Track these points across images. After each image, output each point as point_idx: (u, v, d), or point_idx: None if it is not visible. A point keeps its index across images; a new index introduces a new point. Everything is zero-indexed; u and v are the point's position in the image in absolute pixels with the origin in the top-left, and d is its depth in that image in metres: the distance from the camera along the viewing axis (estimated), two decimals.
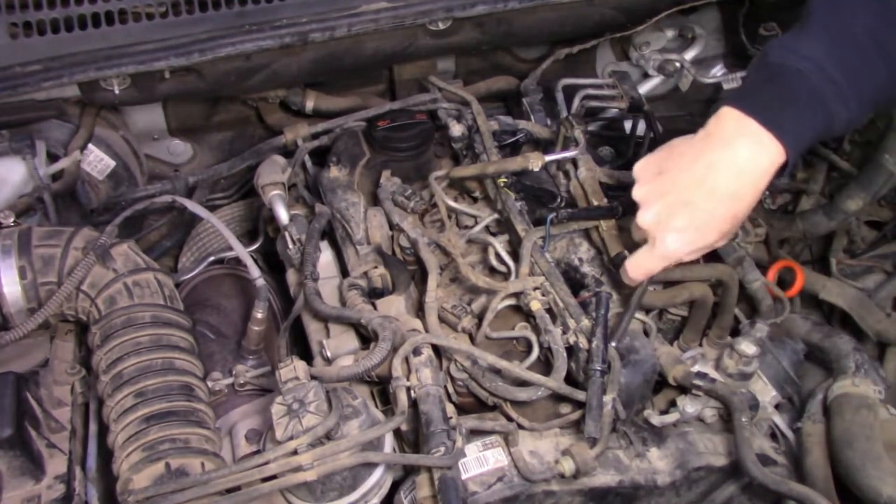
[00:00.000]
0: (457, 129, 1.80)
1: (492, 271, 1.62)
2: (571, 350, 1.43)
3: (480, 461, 1.37)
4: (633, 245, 1.58)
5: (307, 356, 1.50)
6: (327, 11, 1.72)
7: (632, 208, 1.36)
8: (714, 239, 1.28)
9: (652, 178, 1.31)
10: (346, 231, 1.66)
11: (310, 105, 2.02)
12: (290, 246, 1.64)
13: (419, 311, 1.54)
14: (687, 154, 1.27)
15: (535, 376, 1.36)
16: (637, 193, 1.33)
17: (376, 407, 1.46)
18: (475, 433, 1.39)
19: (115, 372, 1.38)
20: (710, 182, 1.23)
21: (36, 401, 1.40)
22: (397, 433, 1.41)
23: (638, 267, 1.37)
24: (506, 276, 1.57)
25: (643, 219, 1.30)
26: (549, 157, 1.64)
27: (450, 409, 1.37)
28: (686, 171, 1.26)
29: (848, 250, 2.00)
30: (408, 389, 1.35)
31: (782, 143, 1.20)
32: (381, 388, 1.50)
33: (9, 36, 1.60)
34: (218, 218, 1.69)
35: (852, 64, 1.21)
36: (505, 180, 1.65)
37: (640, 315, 1.52)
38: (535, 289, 1.49)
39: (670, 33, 2.23)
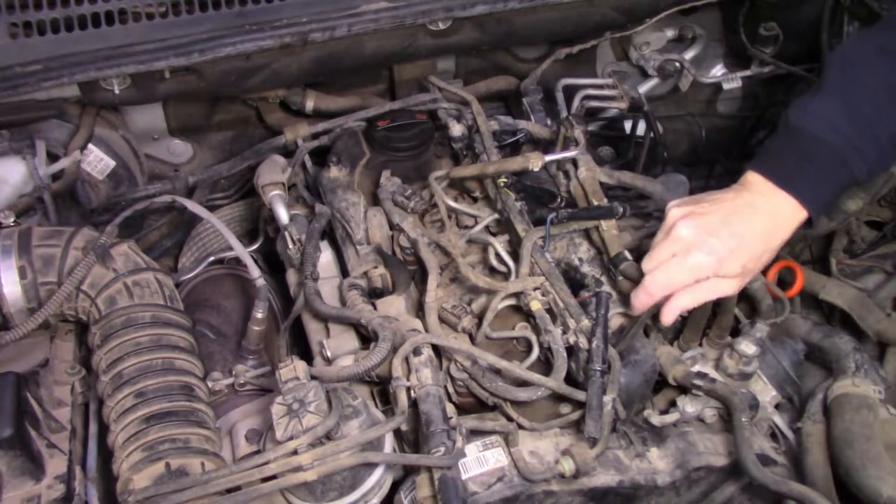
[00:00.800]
0: (457, 129, 1.80)
1: (492, 271, 1.62)
2: (571, 350, 1.43)
3: (480, 461, 1.37)
4: (632, 246, 1.59)
5: (307, 356, 1.50)
6: (327, 11, 1.72)
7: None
8: (736, 270, 1.34)
9: (692, 203, 1.38)
10: (346, 231, 1.66)
11: (310, 105, 2.02)
12: (290, 246, 1.64)
13: (419, 311, 1.54)
14: (723, 197, 1.38)
15: (535, 376, 1.36)
16: (675, 212, 1.38)
17: (376, 407, 1.46)
18: (475, 433, 1.39)
19: (115, 372, 1.38)
20: (747, 216, 1.34)
21: (36, 401, 1.40)
22: (397, 433, 1.41)
23: (661, 279, 1.36)
24: (506, 276, 1.57)
25: (680, 231, 1.34)
26: (549, 157, 1.64)
27: (450, 409, 1.38)
28: (726, 203, 1.36)
29: (848, 250, 2.00)
30: (408, 389, 1.35)
31: (801, 202, 1.33)
32: (381, 388, 1.50)
33: (9, 36, 1.60)
34: (218, 218, 1.69)
35: (866, 117, 1.32)
36: (505, 180, 1.65)
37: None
38: (536, 289, 1.49)
39: (670, 33, 2.23)
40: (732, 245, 1.32)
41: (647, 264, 1.38)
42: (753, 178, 1.37)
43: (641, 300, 1.38)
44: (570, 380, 1.41)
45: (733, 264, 1.33)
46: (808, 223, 1.37)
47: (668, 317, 1.38)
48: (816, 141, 1.34)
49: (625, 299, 1.52)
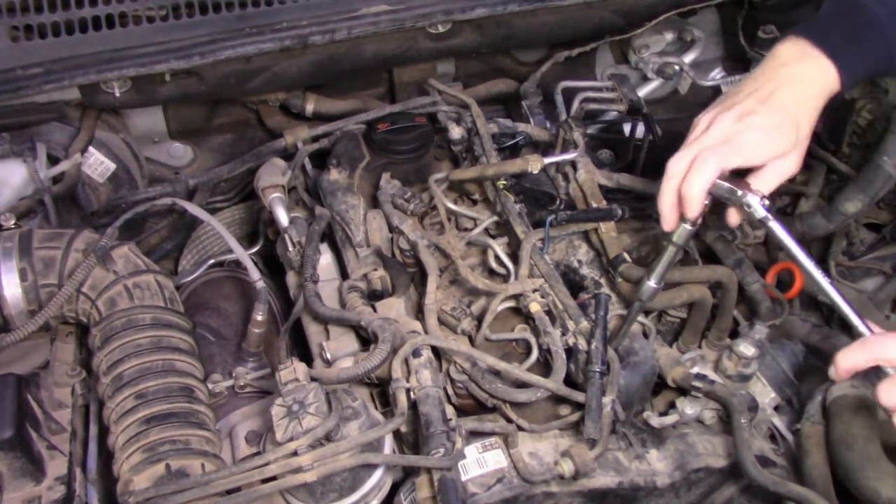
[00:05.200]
0: (456, 132, 1.80)
1: (491, 273, 1.62)
2: (571, 352, 1.43)
3: (480, 462, 1.37)
4: (631, 248, 1.59)
5: (307, 358, 1.50)
6: (327, 14, 1.73)
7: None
8: (784, 146, 1.28)
9: (718, 105, 1.33)
10: (345, 233, 1.67)
11: (310, 108, 2.03)
12: (290, 248, 1.64)
13: (419, 313, 1.54)
14: (751, 80, 1.32)
15: (535, 378, 1.37)
16: (706, 116, 1.33)
17: (376, 408, 1.46)
18: (475, 435, 1.40)
19: (115, 373, 1.38)
20: (771, 89, 1.28)
21: (36, 402, 1.40)
22: (397, 434, 1.42)
23: (705, 169, 1.27)
24: (505, 278, 1.57)
25: (721, 124, 1.28)
26: (548, 160, 1.64)
27: (449, 410, 1.38)
28: (747, 87, 1.31)
29: (847, 252, 2.00)
30: (407, 391, 1.35)
31: (840, 75, 1.29)
32: (381, 390, 1.51)
33: (9, 39, 1.60)
34: (218, 220, 1.70)
35: None
36: (504, 182, 1.65)
37: (639, 317, 1.52)
38: (535, 291, 1.49)
39: (669, 36, 2.23)
40: (777, 119, 1.27)
41: (673, 164, 1.31)
42: (797, 45, 1.31)
43: (683, 215, 1.32)
44: (569, 381, 1.41)
45: (775, 141, 1.27)
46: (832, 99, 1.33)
47: (734, 218, 1.34)
48: (874, 20, 1.30)
49: (624, 301, 1.52)
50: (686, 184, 1.28)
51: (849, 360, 1.18)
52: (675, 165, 1.30)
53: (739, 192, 1.27)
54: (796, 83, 1.29)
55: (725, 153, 1.27)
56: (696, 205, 1.29)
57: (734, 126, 1.28)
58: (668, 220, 1.35)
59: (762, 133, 1.27)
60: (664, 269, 1.39)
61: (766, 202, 1.25)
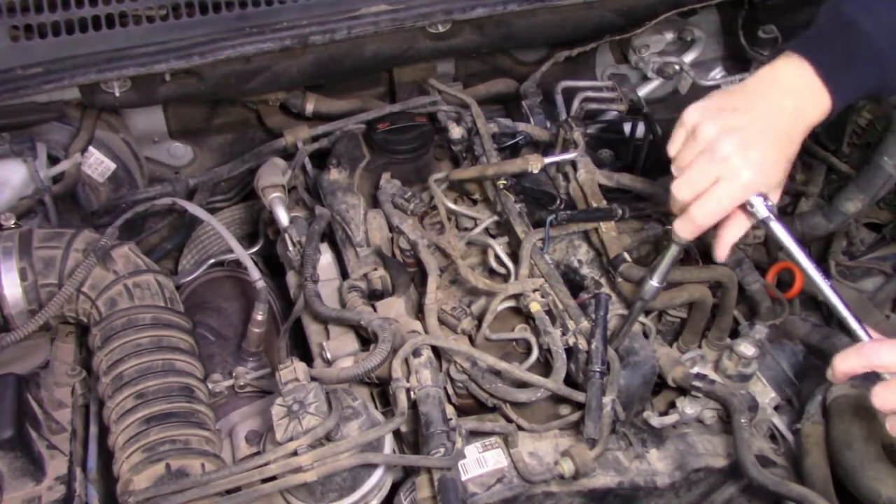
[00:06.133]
0: (456, 132, 1.80)
1: (491, 273, 1.62)
2: (571, 351, 1.43)
3: (480, 462, 1.37)
4: (631, 248, 1.59)
5: (307, 358, 1.50)
6: (327, 14, 1.73)
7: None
8: (776, 179, 1.28)
9: (714, 114, 1.28)
10: (346, 233, 1.67)
11: (310, 108, 2.03)
12: (290, 248, 1.64)
13: (419, 312, 1.54)
14: (746, 95, 1.29)
15: (535, 377, 1.37)
16: (706, 131, 1.26)
17: (376, 408, 1.46)
18: (475, 434, 1.40)
19: (115, 373, 1.38)
20: (771, 121, 1.26)
21: (36, 402, 1.40)
22: (397, 434, 1.42)
23: (711, 207, 1.26)
24: (505, 278, 1.57)
25: (721, 151, 1.24)
26: (548, 160, 1.64)
27: (449, 410, 1.38)
28: (749, 111, 1.27)
29: (847, 252, 2.00)
30: (407, 391, 1.35)
31: (833, 98, 1.27)
32: (381, 390, 1.51)
33: (9, 39, 1.60)
34: (218, 220, 1.70)
35: None
36: (504, 182, 1.65)
37: (639, 317, 1.52)
38: (535, 290, 1.49)
39: (669, 36, 2.24)
40: (772, 138, 1.25)
41: (683, 190, 1.27)
42: (793, 64, 1.28)
43: (690, 231, 1.29)
44: (569, 381, 1.41)
45: (777, 167, 1.27)
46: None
47: (723, 254, 1.32)
48: (868, 42, 1.28)
49: (624, 300, 1.52)
50: (700, 212, 1.27)
51: (845, 364, 1.19)
52: (685, 191, 1.28)
53: None
54: (790, 113, 1.27)
55: (736, 191, 1.25)
56: (705, 228, 1.29)
57: (738, 158, 1.25)
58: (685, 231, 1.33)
59: (762, 172, 1.25)
60: (667, 268, 1.39)
61: (770, 202, 1.25)
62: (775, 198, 1.29)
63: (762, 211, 1.25)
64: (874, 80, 1.31)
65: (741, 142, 1.24)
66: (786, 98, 1.27)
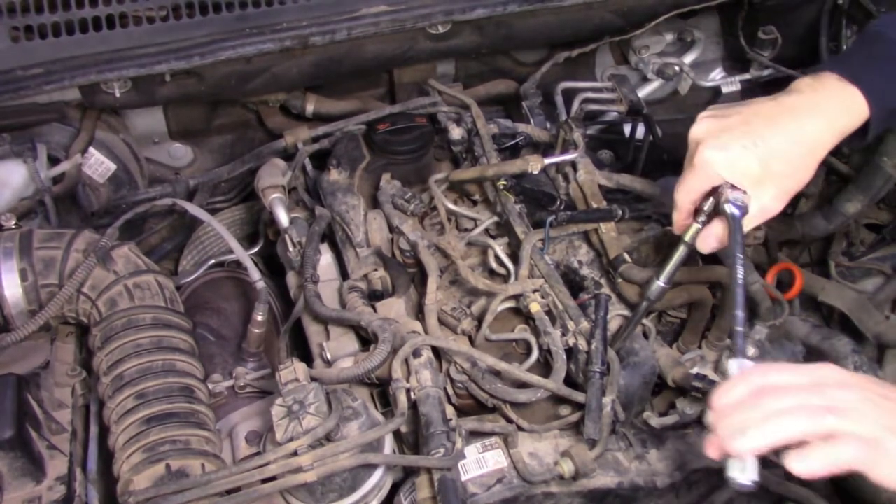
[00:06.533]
0: (456, 133, 1.80)
1: (491, 274, 1.62)
2: (571, 352, 1.43)
3: (480, 463, 1.37)
4: (631, 249, 1.59)
5: (307, 358, 1.50)
6: (327, 15, 1.73)
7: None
8: (799, 185, 1.23)
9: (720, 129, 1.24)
10: (346, 234, 1.67)
11: (310, 108, 2.03)
12: (291, 248, 1.64)
13: (419, 313, 1.54)
14: (767, 104, 1.25)
15: (535, 378, 1.37)
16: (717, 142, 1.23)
17: (376, 409, 1.46)
18: (475, 435, 1.40)
19: (115, 374, 1.38)
20: (797, 129, 1.21)
21: (37, 402, 1.40)
22: (397, 435, 1.42)
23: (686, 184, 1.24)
24: (505, 279, 1.57)
25: (746, 168, 1.20)
26: (548, 160, 1.64)
27: (449, 410, 1.38)
28: (773, 117, 1.23)
29: (847, 253, 2.00)
30: (407, 391, 1.35)
31: (866, 97, 1.21)
32: (381, 390, 1.51)
33: (10, 39, 1.60)
34: (218, 221, 1.70)
35: None
36: (504, 183, 1.65)
37: None
38: (535, 291, 1.49)
39: (669, 37, 2.24)
40: (766, 123, 1.20)
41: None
42: (815, 78, 1.24)
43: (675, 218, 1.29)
44: (569, 381, 1.41)
45: (797, 183, 1.22)
46: (861, 133, 1.24)
47: (707, 246, 1.29)
48: (894, 44, 1.25)
49: (624, 301, 1.52)
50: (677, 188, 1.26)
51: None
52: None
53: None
54: (815, 113, 1.22)
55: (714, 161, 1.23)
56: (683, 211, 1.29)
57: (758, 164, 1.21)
58: (680, 226, 1.33)
59: (780, 189, 1.23)
60: (674, 268, 1.38)
61: (741, 201, 1.22)
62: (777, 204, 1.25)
63: (725, 200, 1.22)
64: None
65: (737, 130, 1.22)
66: (806, 107, 1.22)
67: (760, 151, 1.20)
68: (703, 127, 1.25)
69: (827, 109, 1.22)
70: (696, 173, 1.24)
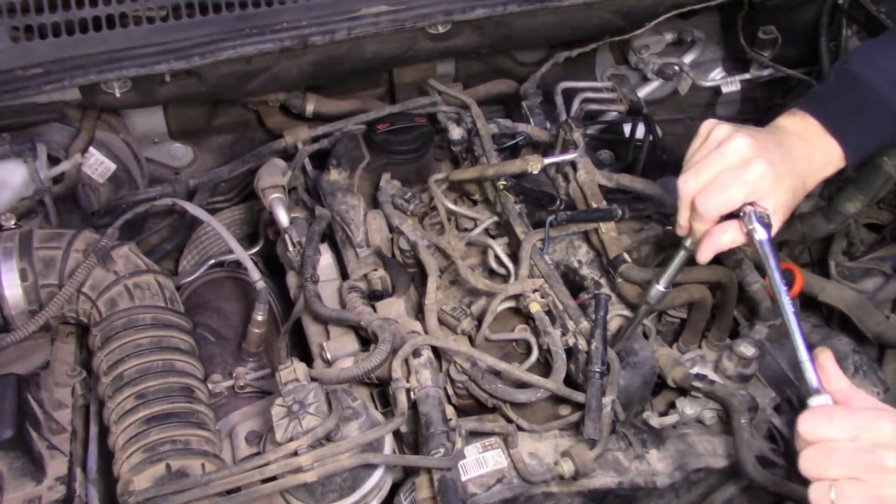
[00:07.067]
0: (456, 133, 1.80)
1: (491, 273, 1.62)
2: (571, 352, 1.43)
3: (480, 463, 1.37)
4: (631, 249, 1.59)
5: (307, 358, 1.51)
6: (327, 15, 1.73)
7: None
8: (787, 197, 1.24)
9: (731, 125, 1.26)
10: (346, 234, 1.67)
11: (310, 108, 2.03)
12: (290, 248, 1.64)
13: (419, 313, 1.54)
14: (762, 133, 1.27)
15: (535, 378, 1.37)
16: (724, 128, 1.25)
17: (376, 409, 1.46)
18: (475, 435, 1.40)
19: (115, 374, 1.38)
20: (786, 151, 1.25)
21: (37, 402, 1.41)
22: (397, 435, 1.42)
23: (717, 198, 1.22)
24: (505, 279, 1.57)
25: (734, 145, 1.21)
26: (548, 160, 1.64)
27: (449, 410, 1.38)
28: (765, 138, 1.25)
29: (847, 253, 2.00)
30: (407, 391, 1.35)
31: (844, 151, 1.27)
32: (381, 390, 1.51)
33: (10, 39, 1.60)
34: (218, 221, 1.70)
35: None
36: (504, 183, 1.65)
37: None
38: (535, 291, 1.49)
39: (669, 37, 2.24)
40: (787, 167, 1.23)
41: (690, 182, 1.24)
42: (798, 117, 1.29)
43: (679, 218, 1.28)
44: (569, 381, 1.41)
45: (784, 187, 1.22)
46: (838, 174, 1.31)
47: (706, 254, 1.28)
48: (875, 95, 1.30)
49: (624, 301, 1.52)
50: (704, 202, 1.24)
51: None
52: (691, 183, 1.26)
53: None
54: (802, 156, 1.27)
55: (743, 183, 1.22)
56: (709, 222, 1.26)
57: (749, 152, 1.22)
58: (684, 228, 1.32)
59: (772, 176, 1.22)
60: (674, 273, 1.38)
61: (764, 218, 1.21)
62: (775, 223, 1.24)
63: (752, 221, 1.21)
64: (888, 130, 1.31)
65: (754, 142, 1.22)
66: (796, 141, 1.27)
67: (792, 174, 1.24)
68: (746, 145, 1.23)
69: (812, 161, 1.28)
70: (742, 186, 1.21)
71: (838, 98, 1.32)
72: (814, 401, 1.08)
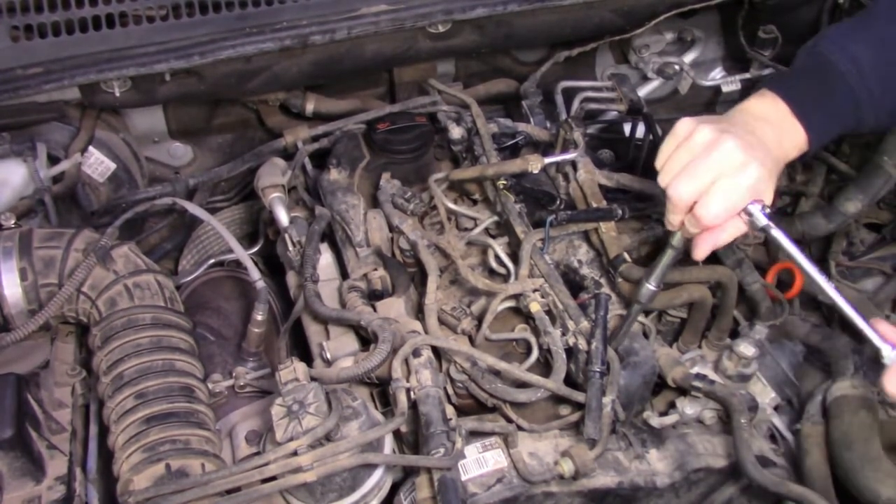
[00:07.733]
0: (456, 132, 1.80)
1: (491, 273, 1.62)
2: (571, 351, 1.43)
3: (480, 462, 1.37)
4: (631, 248, 1.59)
5: (307, 358, 1.51)
6: (327, 14, 1.72)
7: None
8: (766, 165, 1.25)
9: (708, 124, 1.27)
10: (345, 233, 1.67)
11: (310, 108, 2.03)
12: (290, 248, 1.64)
13: (419, 312, 1.54)
14: (731, 122, 1.29)
15: (535, 378, 1.37)
16: (687, 122, 1.28)
17: (376, 408, 1.46)
18: (475, 434, 1.40)
19: (115, 373, 1.38)
20: (759, 139, 1.26)
21: (37, 402, 1.41)
22: (397, 434, 1.42)
23: (685, 186, 1.25)
24: (505, 278, 1.57)
25: (697, 137, 1.25)
26: (548, 160, 1.64)
27: (449, 410, 1.38)
28: (736, 116, 1.30)
29: (847, 252, 2.00)
30: (407, 391, 1.35)
31: (808, 135, 1.30)
32: (381, 390, 1.51)
33: (10, 39, 1.60)
34: (218, 220, 1.70)
35: (894, 78, 1.30)
36: (504, 182, 1.65)
37: (639, 317, 1.52)
38: (535, 290, 1.49)
39: (669, 36, 2.24)
40: (770, 160, 1.25)
41: (683, 186, 1.25)
42: (769, 100, 1.31)
43: (671, 220, 1.30)
44: (569, 381, 1.41)
45: (773, 180, 1.25)
46: (800, 157, 1.34)
47: (704, 251, 1.30)
48: (843, 82, 1.31)
49: (624, 301, 1.52)
50: (707, 210, 1.24)
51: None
52: (684, 188, 1.26)
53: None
54: (772, 139, 1.28)
55: (742, 187, 1.24)
56: (711, 227, 1.27)
57: (741, 155, 1.24)
58: (675, 227, 1.33)
59: (765, 172, 1.24)
60: (663, 271, 1.39)
61: (767, 210, 1.24)
62: (766, 189, 1.26)
63: (762, 219, 1.23)
64: (850, 118, 1.33)
65: (742, 142, 1.23)
66: (766, 126, 1.29)
67: (760, 146, 1.26)
68: (708, 132, 1.26)
69: (781, 145, 1.29)
70: (741, 190, 1.23)
71: (806, 82, 1.34)
72: (889, 359, 1.17)
